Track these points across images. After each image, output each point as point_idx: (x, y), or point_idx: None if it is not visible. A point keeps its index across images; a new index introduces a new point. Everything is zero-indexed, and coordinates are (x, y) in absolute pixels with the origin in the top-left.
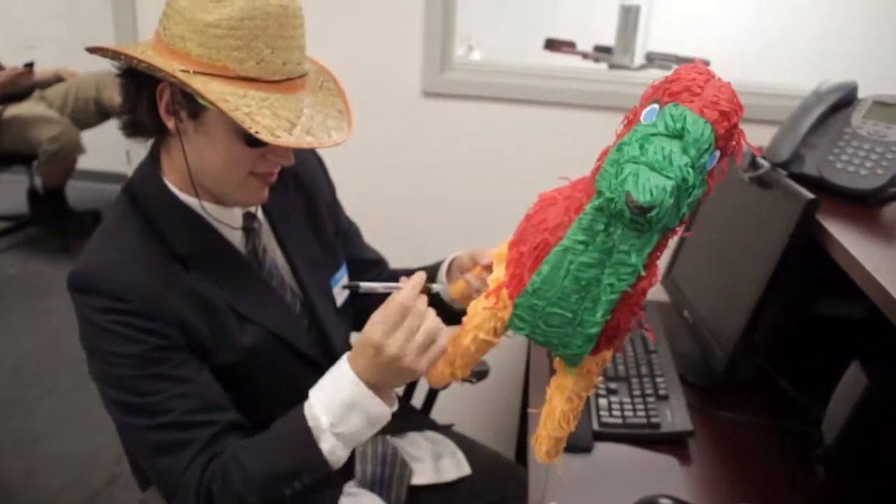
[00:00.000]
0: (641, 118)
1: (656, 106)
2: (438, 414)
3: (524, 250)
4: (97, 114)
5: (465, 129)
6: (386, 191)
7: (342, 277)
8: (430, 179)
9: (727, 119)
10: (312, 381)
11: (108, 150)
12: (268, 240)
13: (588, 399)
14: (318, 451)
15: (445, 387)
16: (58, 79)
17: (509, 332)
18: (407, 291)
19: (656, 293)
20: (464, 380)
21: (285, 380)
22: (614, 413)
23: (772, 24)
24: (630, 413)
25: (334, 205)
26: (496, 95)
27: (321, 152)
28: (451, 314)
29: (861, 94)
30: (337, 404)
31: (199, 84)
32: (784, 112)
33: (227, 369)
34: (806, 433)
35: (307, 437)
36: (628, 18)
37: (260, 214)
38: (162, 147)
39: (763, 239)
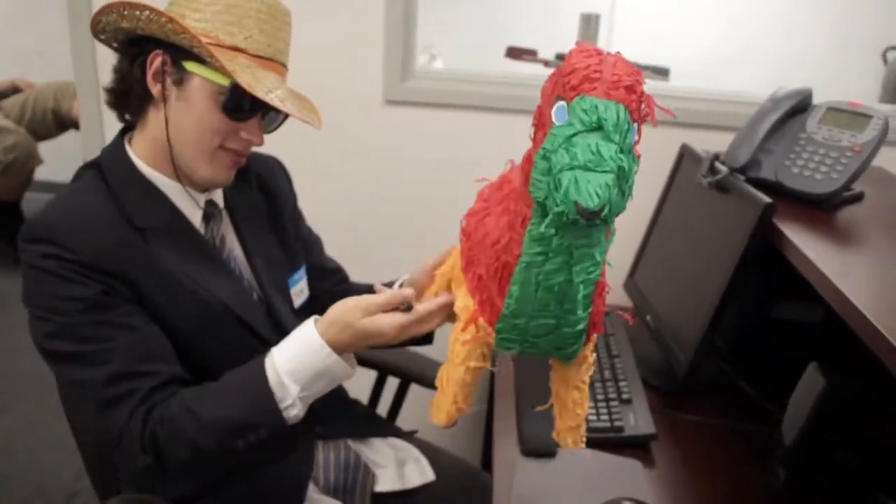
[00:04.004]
0: (553, 119)
1: (563, 103)
2: (403, 421)
3: (482, 273)
4: (55, 125)
5: (427, 137)
6: (348, 198)
7: (301, 279)
8: (392, 187)
9: (633, 92)
10: None
11: (67, 162)
12: (227, 231)
13: (552, 406)
14: (279, 412)
15: (454, 424)
16: (15, 89)
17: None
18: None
19: (620, 298)
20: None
21: (238, 354)
22: None
23: (731, 35)
24: (594, 417)
25: (295, 212)
26: (458, 103)
27: (282, 154)
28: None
29: (816, 100)
30: (307, 373)
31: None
32: (742, 119)
33: (176, 337)
34: (766, 435)
35: (268, 397)
36: (588, 27)
37: (221, 206)
38: (138, 119)
39: (722, 243)
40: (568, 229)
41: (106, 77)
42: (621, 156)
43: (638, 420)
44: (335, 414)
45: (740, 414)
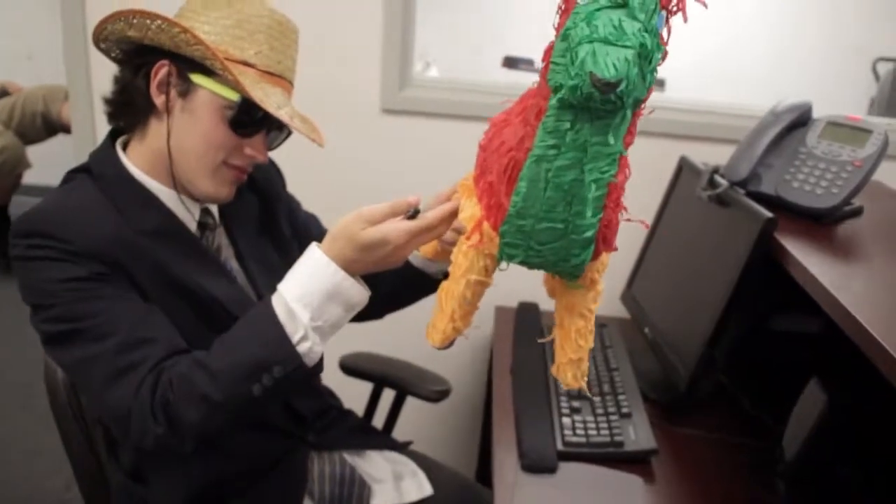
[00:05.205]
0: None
1: None
2: (399, 433)
3: (492, 179)
4: (44, 128)
5: (425, 146)
6: (344, 207)
7: None
8: (390, 196)
9: None
10: None
11: (56, 166)
12: (221, 239)
13: (551, 419)
14: (291, 346)
15: (450, 345)
16: (3, 92)
17: (502, 265)
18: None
19: (617, 310)
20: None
21: None
22: (578, 432)
23: (723, 47)
24: (594, 432)
25: (289, 205)
26: (455, 112)
27: (279, 165)
28: (427, 282)
29: (815, 114)
30: (316, 296)
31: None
32: (742, 131)
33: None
34: (767, 449)
35: (278, 330)
36: None
37: (217, 217)
38: (137, 130)
39: (723, 257)
40: (582, 113)
41: (99, 82)
42: (645, 34)
43: (638, 435)
44: (328, 423)
45: (740, 428)
